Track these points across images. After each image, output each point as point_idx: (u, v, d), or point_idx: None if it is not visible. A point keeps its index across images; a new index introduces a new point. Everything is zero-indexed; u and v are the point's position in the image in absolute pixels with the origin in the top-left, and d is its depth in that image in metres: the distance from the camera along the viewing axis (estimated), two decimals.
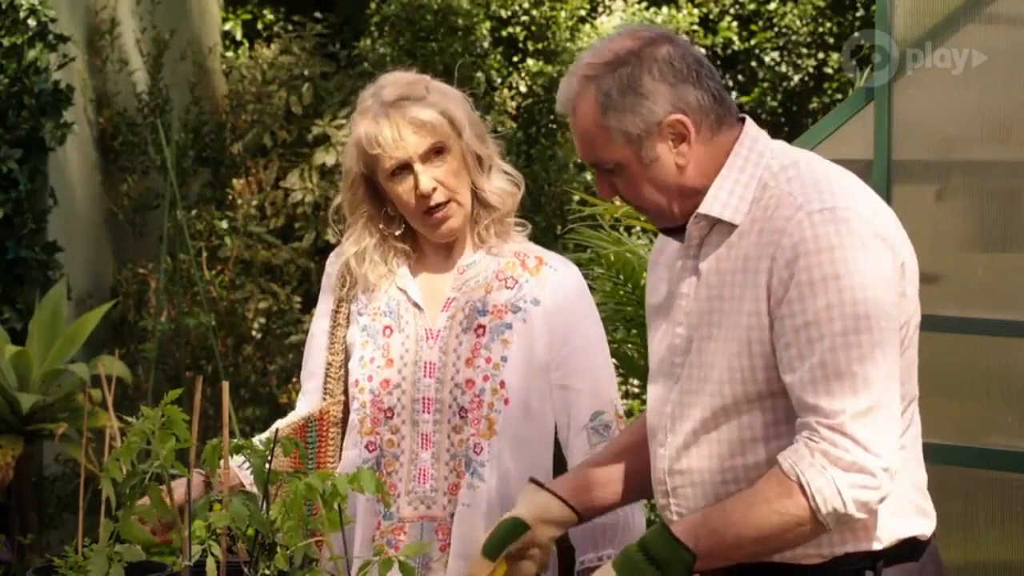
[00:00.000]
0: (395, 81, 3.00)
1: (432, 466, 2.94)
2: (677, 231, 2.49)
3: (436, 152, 2.94)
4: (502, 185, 3.03)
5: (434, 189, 2.93)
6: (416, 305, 3.00)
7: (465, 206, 2.98)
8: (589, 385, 2.96)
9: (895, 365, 2.32)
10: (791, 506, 2.27)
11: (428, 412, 2.94)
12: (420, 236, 3.05)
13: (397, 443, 2.96)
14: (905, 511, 2.42)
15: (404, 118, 2.93)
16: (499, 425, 2.91)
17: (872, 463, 2.26)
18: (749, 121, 2.46)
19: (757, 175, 2.40)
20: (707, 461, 2.41)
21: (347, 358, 3.06)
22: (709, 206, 2.41)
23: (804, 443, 2.28)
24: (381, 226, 3.02)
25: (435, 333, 2.97)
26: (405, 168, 2.94)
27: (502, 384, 2.92)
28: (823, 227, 2.30)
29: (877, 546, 2.38)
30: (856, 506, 2.26)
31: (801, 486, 2.26)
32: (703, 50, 8.53)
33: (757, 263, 2.35)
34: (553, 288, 2.99)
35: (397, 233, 3.03)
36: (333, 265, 3.11)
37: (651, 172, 2.40)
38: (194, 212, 7.39)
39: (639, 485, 2.60)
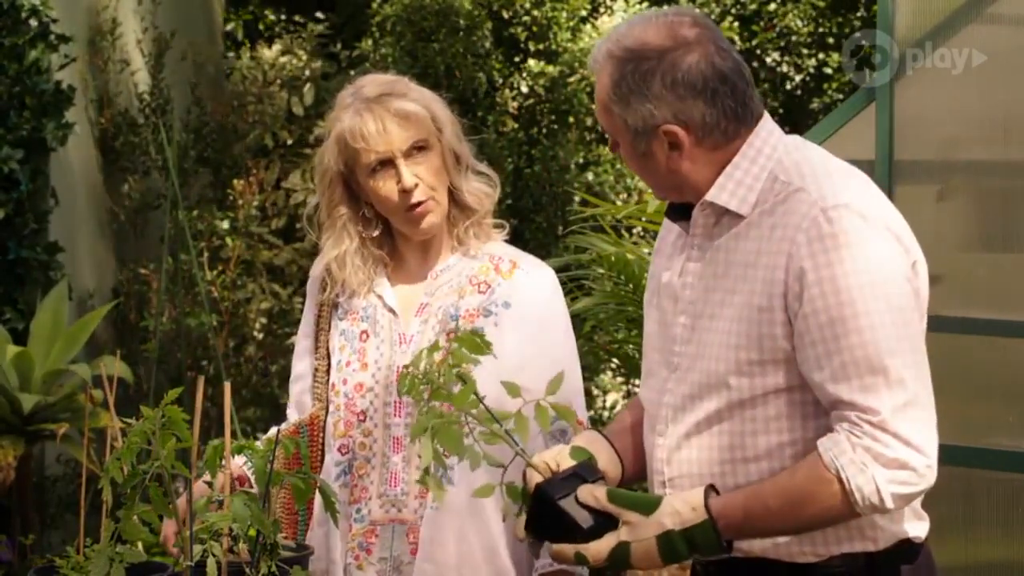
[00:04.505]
0: (375, 80, 3.01)
1: (403, 469, 2.93)
2: (683, 216, 2.50)
3: (418, 148, 2.94)
4: (479, 186, 3.03)
5: (416, 185, 2.93)
6: (391, 310, 3.00)
7: (443, 205, 2.98)
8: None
9: (924, 357, 2.34)
10: (830, 499, 2.29)
11: (399, 416, 2.94)
12: (398, 239, 3.05)
13: (369, 446, 2.96)
14: (902, 512, 2.42)
15: (388, 111, 2.93)
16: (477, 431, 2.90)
17: (915, 459, 2.27)
18: (766, 116, 2.47)
19: (768, 167, 2.41)
20: (707, 452, 2.41)
21: (331, 363, 3.06)
22: (716, 194, 2.42)
23: (846, 436, 2.28)
24: (359, 228, 3.02)
25: (408, 338, 2.97)
26: (386, 164, 2.94)
27: None
28: (839, 223, 2.31)
29: (872, 547, 2.40)
30: (894, 500, 2.28)
31: (840, 481, 2.27)
32: None
33: (772, 258, 2.35)
34: (524, 291, 2.98)
35: (374, 235, 3.03)
36: (315, 269, 3.11)
37: (643, 162, 2.45)
38: (195, 212, 7.39)
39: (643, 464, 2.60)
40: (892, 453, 2.27)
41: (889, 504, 2.28)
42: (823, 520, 2.33)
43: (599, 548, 2.33)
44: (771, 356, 2.35)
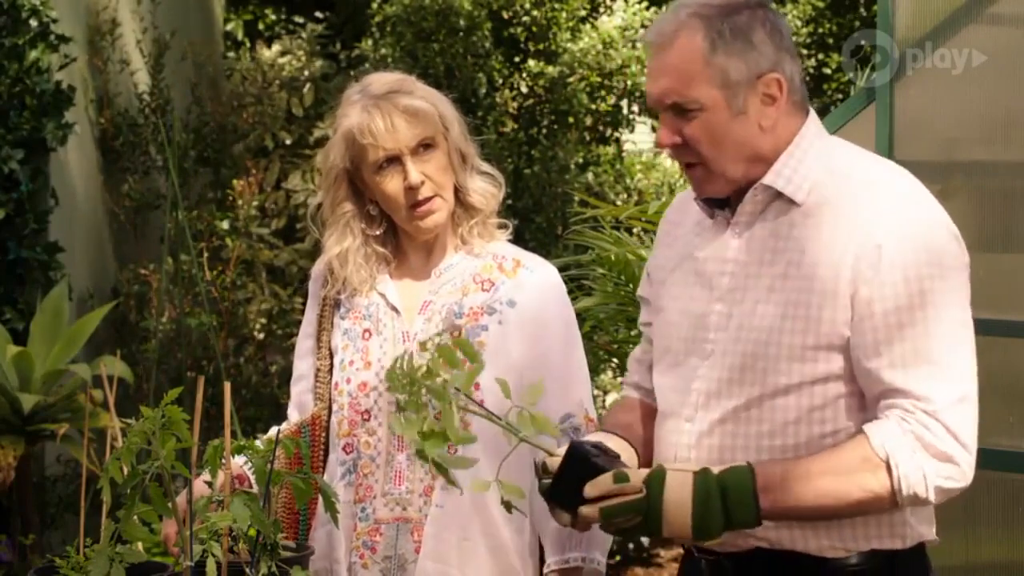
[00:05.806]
0: (381, 78, 3.01)
1: (408, 468, 2.93)
2: (717, 202, 2.49)
3: (425, 146, 2.94)
4: (484, 185, 3.03)
5: (422, 182, 2.93)
6: (394, 309, 3.00)
7: (449, 202, 2.99)
8: (559, 386, 2.94)
9: (975, 356, 2.36)
10: (874, 483, 2.29)
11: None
12: (401, 238, 3.05)
13: (373, 445, 2.96)
14: (927, 513, 2.45)
15: (397, 108, 2.93)
16: (474, 427, 2.86)
17: (961, 455, 2.29)
18: (813, 112, 2.50)
19: (821, 159, 2.43)
20: (743, 439, 2.40)
21: (333, 363, 3.06)
22: (773, 179, 2.43)
23: (897, 422, 2.29)
24: (362, 226, 3.02)
25: (412, 336, 2.97)
26: (393, 161, 2.94)
27: (476, 386, 2.86)
28: (916, 215, 2.35)
29: (900, 545, 2.40)
30: (936, 493, 2.29)
31: (888, 466, 2.28)
32: None
33: (841, 245, 2.35)
34: (529, 289, 2.98)
35: (378, 233, 3.03)
36: (317, 267, 3.11)
37: (734, 124, 2.41)
38: (195, 213, 7.40)
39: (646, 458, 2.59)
40: (942, 445, 2.28)
41: (931, 497, 2.29)
42: (860, 502, 2.30)
43: (637, 473, 2.31)
44: (827, 341, 2.35)
